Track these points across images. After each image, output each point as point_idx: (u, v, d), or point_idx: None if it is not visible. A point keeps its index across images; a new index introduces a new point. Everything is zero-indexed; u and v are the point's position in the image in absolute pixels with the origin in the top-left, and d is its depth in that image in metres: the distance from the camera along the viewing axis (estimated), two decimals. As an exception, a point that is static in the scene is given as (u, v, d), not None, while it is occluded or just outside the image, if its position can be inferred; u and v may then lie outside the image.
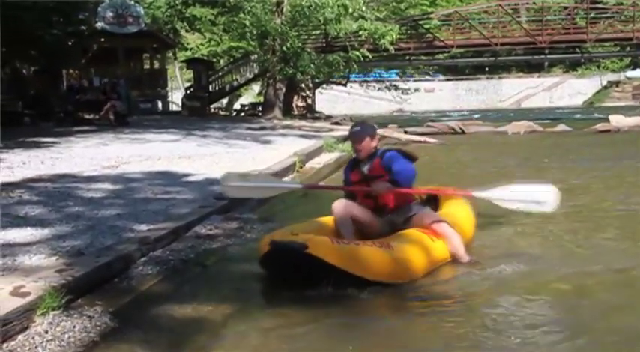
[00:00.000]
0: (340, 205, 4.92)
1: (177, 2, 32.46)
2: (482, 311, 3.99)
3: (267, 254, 4.33)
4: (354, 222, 4.91)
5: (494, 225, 6.28)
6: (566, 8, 33.67)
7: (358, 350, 3.48)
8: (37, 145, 11.14)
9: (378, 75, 41.90)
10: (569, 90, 53.18)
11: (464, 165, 12.30)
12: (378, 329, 3.87)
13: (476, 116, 32.97)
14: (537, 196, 4.87)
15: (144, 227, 5.48)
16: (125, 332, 3.66)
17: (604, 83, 52.28)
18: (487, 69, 55.54)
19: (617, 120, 20.57)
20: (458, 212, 5.44)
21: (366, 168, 5.04)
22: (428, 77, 54.81)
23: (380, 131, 19.75)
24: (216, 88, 26.47)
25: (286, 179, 9.70)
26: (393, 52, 24.21)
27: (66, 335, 3.42)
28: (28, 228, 5.20)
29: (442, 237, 4.86)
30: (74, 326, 3.52)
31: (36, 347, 3.26)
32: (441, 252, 4.85)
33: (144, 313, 4.00)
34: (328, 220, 5.09)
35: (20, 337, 3.34)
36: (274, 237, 4.37)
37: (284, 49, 22.18)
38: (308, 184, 5.36)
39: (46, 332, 3.41)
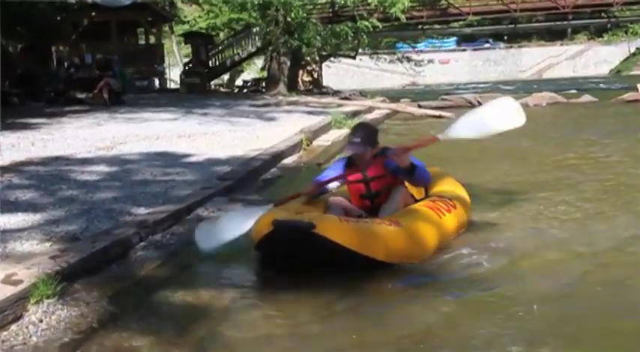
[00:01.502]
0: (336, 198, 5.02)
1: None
2: (497, 297, 3.96)
3: (269, 235, 4.20)
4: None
5: (516, 202, 6.27)
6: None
7: (363, 338, 3.47)
8: (27, 127, 11.14)
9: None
10: (595, 58, 52.73)
11: (477, 141, 12.23)
12: (385, 315, 3.85)
13: (494, 88, 32.74)
14: (503, 111, 4.76)
15: (142, 210, 5.49)
16: (124, 319, 3.67)
17: (632, 50, 51.75)
18: (506, 37, 55.12)
19: (646, 90, 20.39)
20: (451, 192, 5.34)
21: (366, 171, 4.95)
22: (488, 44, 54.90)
23: (392, 106, 19.83)
24: (217, 64, 26.34)
25: (293, 158, 9.71)
26: (404, 21, 24.03)
27: (62, 324, 3.44)
28: (19, 214, 5.21)
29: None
30: (70, 314, 3.54)
31: (30, 336, 3.28)
32: (450, 227, 4.87)
33: (144, 300, 4.02)
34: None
35: (13, 327, 3.35)
36: (276, 217, 4.24)
37: (288, 19, 22.04)
38: (278, 199, 5.12)
39: (41, 321, 3.43)
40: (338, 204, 4.93)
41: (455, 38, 54.22)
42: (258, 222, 4.42)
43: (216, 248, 4.68)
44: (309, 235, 4.04)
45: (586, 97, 21.33)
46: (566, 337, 3.38)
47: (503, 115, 4.75)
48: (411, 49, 37.73)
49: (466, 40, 55.15)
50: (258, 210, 4.84)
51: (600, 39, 54.58)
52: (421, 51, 40.90)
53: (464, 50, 56.48)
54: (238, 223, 4.76)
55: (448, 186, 5.40)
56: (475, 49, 56.31)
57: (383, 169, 4.90)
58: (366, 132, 5.01)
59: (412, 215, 4.66)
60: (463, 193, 5.40)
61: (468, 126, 4.83)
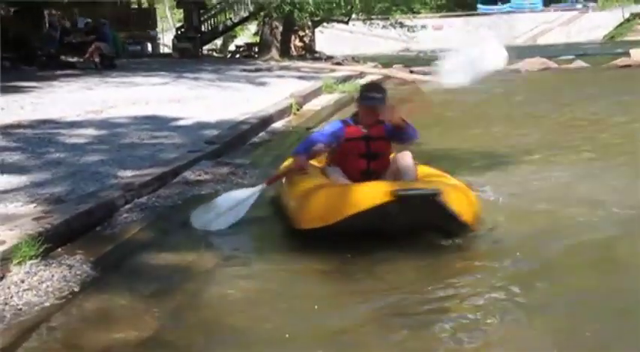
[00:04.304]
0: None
1: None
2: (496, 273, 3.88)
3: (383, 207, 3.90)
4: None
5: (505, 164, 6.30)
6: None
7: (348, 300, 3.47)
8: (17, 90, 11.01)
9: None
10: (589, 24, 52.24)
11: (466, 105, 12.25)
12: (377, 282, 3.82)
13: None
14: (486, 51, 4.71)
15: (129, 173, 5.49)
16: (107, 281, 3.67)
17: (627, 15, 51.32)
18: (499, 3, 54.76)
19: (638, 55, 20.23)
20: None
21: (366, 129, 4.71)
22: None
23: (384, 71, 19.66)
24: (209, 28, 26.09)
25: (282, 122, 9.67)
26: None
27: (44, 285, 3.44)
28: (5, 176, 5.20)
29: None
30: (52, 276, 3.54)
31: (12, 297, 3.28)
32: None
33: (127, 262, 4.02)
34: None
35: (-5, 287, 3.35)
36: (393, 188, 3.93)
37: (280, -17, 21.75)
38: (269, 178, 4.95)
39: (23, 281, 3.42)
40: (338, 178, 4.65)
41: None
42: (354, 195, 4.06)
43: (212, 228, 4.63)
44: (433, 203, 3.92)
45: (578, 63, 21.18)
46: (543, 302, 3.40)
47: (486, 55, 4.69)
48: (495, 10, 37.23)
49: (553, 1, 54.59)
50: (250, 192, 4.80)
51: (594, 4, 54.10)
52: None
53: (458, 16, 55.87)
54: (235, 207, 4.71)
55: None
56: (469, 15, 55.77)
57: (384, 132, 4.71)
58: (384, 91, 4.83)
59: (455, 181, 4.53)
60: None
61: (454, 72, 4.70)
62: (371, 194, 3.99)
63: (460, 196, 4.13)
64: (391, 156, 4.78)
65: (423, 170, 4.77)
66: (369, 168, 4.68)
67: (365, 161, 4.69)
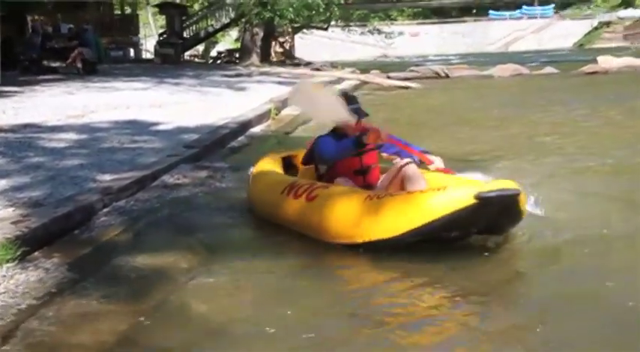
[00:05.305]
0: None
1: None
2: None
3: (468, 210, 3.66)
4: None
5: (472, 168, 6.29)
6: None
7: (321, 305, 3.43)
8: (-1, 95, 10.94)
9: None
10: (560, 31, 52.80)
11: (438, 108, 12.36)
12: (348, 281, 3.84)
13: (460, 60, 32.71)
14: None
15: (107, 177, 5.44)
16: (84, 284, 3.61)
17: (595, 24, 51.96)
18: (474, 11, 55.05)
19: (605, 62, 20.49)
20: None
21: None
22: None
23: (361, 77, 19.72)
24: (191, 35, 26.02)
25: (261, 127, 9.66)
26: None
27: (20, 288, 3.39)
28: (-16, 180, 5.12)
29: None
30: (29, 279, 3.50)
31: (-13, 300, 3.23)
32: None
33: (104, 265, 3.95)
34: None
35: (-29, 290, 3.30)
36: (479, 191, 3.66)
37: (261, -9, 21.76)
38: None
39: (-1, 284, 3.38)
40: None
41: (552, 5, 53.60)
42: (433, 199, 3.79)
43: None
44: (513, 204, 3.75)
45: (548, 69, 21.39)
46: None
47: None
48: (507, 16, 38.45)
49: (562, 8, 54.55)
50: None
51: (565, 13, 54.69)
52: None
53: (434, 23, 56.22)
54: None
55: None
56: (445, 22, 56.12)
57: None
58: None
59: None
60: None
61: None
62: (452, 197, 3.73)
63: (524, 197, 3.95)
64: (395, 164, 4.63)
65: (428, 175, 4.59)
66: (365, 184, 4.54)
67: (361, 178, 4.56)
